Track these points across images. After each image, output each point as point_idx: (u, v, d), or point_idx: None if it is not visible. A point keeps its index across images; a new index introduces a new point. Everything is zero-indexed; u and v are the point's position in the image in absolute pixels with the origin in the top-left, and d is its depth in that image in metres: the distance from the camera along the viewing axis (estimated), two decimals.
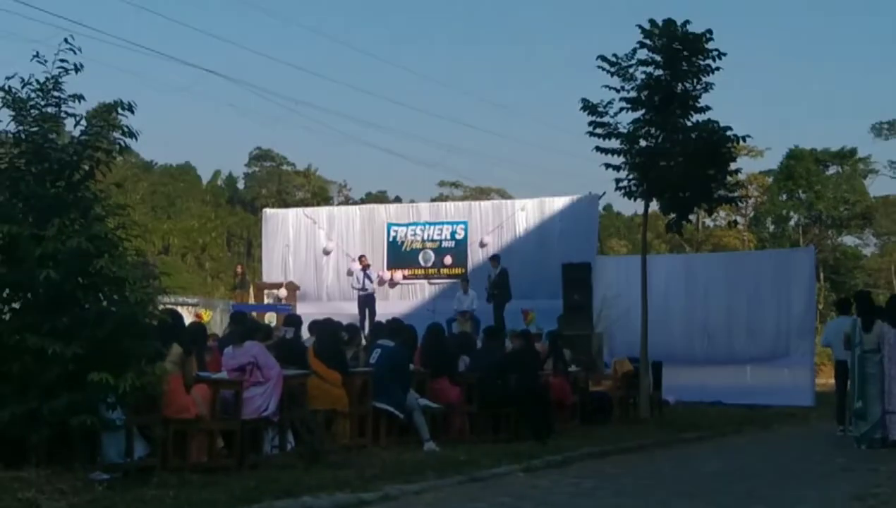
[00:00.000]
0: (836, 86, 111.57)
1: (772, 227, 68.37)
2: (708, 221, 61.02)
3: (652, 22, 17.89)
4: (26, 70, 9.75)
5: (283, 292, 25.75)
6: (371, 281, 25.41)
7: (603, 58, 18.10)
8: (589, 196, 26.93)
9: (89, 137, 9.86)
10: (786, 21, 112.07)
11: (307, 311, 21.00)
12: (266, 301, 25.89)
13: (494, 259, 24.40)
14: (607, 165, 18.56)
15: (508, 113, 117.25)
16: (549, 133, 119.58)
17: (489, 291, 23.74)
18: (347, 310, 24.54)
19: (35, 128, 9.70)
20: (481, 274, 25.33)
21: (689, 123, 18.36)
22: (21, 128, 9.73)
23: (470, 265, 26.92)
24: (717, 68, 18.07)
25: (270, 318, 22.89)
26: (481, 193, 68.14)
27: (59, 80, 9.74)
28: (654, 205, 19.35)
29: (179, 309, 19.05)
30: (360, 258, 25.98)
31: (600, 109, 18.20)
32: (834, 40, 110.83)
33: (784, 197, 66.13)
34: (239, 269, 25.77)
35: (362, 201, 68.85)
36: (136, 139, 10.06)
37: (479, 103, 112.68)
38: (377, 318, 21.98)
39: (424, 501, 9.77)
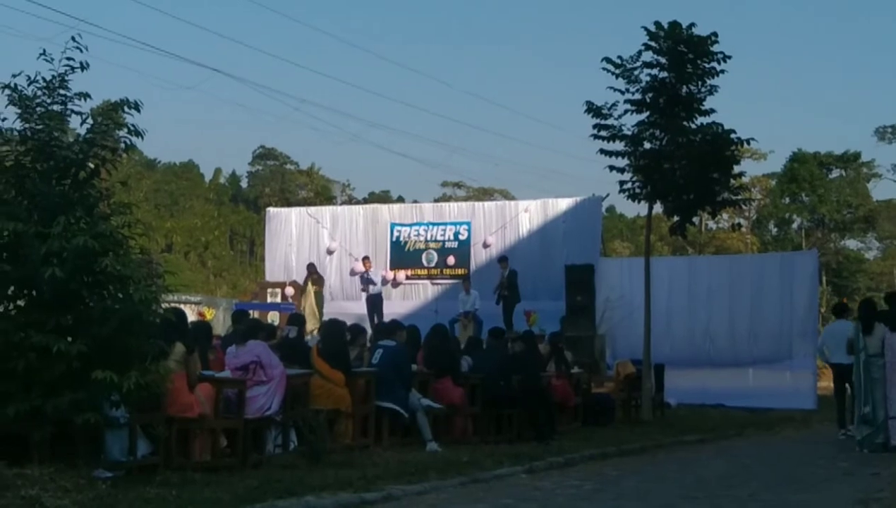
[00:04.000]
0: (841, 89, 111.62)
1: (774, 230, 68.44)
2: (711, 224, 61.09)
3: (657, 24, 17.89)
4: (33, 68, 9.77)
5: (289, 290, 25.74)
6: (374, 283, 25.42)
7: (608, 60, 18.12)
8: (592, 197, 26.96)
9: (95, 136, 9.84)
10: (790, 24, 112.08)
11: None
12: (270, 299, 25.88)
13: (503, 260, 24.41)
14: (611, 167, 18.58)
15: (512, 114, 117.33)
16: (553, 134, 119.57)
17: (499, 292, 23.73)
18: (351, 310, 24.55)
19: (41, 126, 9.68)
20: (484, 275, 25.33)
21: (693, 126, 18.37)
22: (27, 126, 9.71)
23: (473, 266, 26.93)
24: (722, 71, 18.09)
25: (273, 317, 22.90)
26: (484, 194, 68.19)
27: (66, 78, 9.73)
28: (657, 208, 19.35)
29: (182, 307, 19.08)
30: (364, 260, 25.98)
31: (605, 112, 18.23)
32: (838, 43, 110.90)
33: (787, 200, 66.19)
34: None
35: (365, 201, 68.93)
36: (143, 138, 10.05)
37: (484, 104, 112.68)
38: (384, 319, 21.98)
39: (427, 502, 9.78)
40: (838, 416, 17.11)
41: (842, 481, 11.94)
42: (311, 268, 26.19)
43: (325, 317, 17.47)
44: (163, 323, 9.90)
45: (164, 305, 10.15)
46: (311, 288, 25.58)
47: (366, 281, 25.43)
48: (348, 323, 15.63)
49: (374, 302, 25.11)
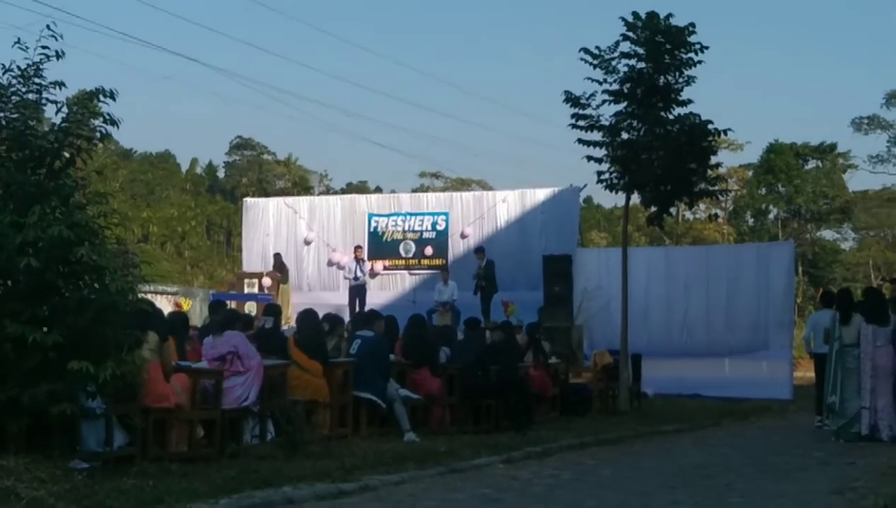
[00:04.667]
0: (817, 80, 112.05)
1: (751, 221, 68.76)
2: (688, 214, 61.31)
3: (635, 14, 17.89)
4: (7, 56, 9.70)
5: (267, 281, 25.65)
6: (363, 273, 25.39)
7: (586, 50, 18.12)
8: (570, 188, 26.98)
9: (70, 124, 9.78)
10: (767, 15, 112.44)
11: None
12: (247, 290, 25.80)
13: (479, 251, 24.42)
14: (589, 158, 18.59)
15: (490, 104, 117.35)
16: (532, 125, 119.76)
17: (476, 283, 23.73)
18: (328, 300, 24.54)
19: (16, 115, 9.62)
20: (462, 266, 25.32)
21: (670, 116, 18.39)
22: (1, 114, 9.65)
23: (451, 256, 26.92)
24: (700, 62, 18.11)
25: (251, 308, 22.84)
26: (462, 184, 68.19)
27: (41, 66, 9.67)
28: (635, 198, 19.38)
29: (159, 297, 19.03)
30: (356, 249, 25.94)
31: (583, 102, 18.22)
32: (815, 34, 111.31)
33: (763, 190, 66.50)
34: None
35: (343, 191, 68.83)
36: (118, 127, 9.98)
37: (462, 94, 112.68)
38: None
39: (404, 492, 9.77)
40: (816, 404, 17.14)
41: (818, 470, 11.99)
42: (280, 259, 26.27)
43: (301, 308, 17.41)
44: (136, 313, 9.85)
45: (138, 295, 10.11)
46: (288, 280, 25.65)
47: (357, 268, 25.30)
48: (327, 313, 15.63)
49: (358, 293, 25.08)
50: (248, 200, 31.36)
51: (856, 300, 16.24)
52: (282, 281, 25.82)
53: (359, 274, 25.28)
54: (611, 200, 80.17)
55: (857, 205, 66.29)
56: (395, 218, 27.82)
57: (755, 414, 20.52)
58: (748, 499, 9.72)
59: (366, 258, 26.51)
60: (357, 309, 23.67)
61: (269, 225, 28.62)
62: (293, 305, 24.18)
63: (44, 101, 9.82)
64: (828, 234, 69.14)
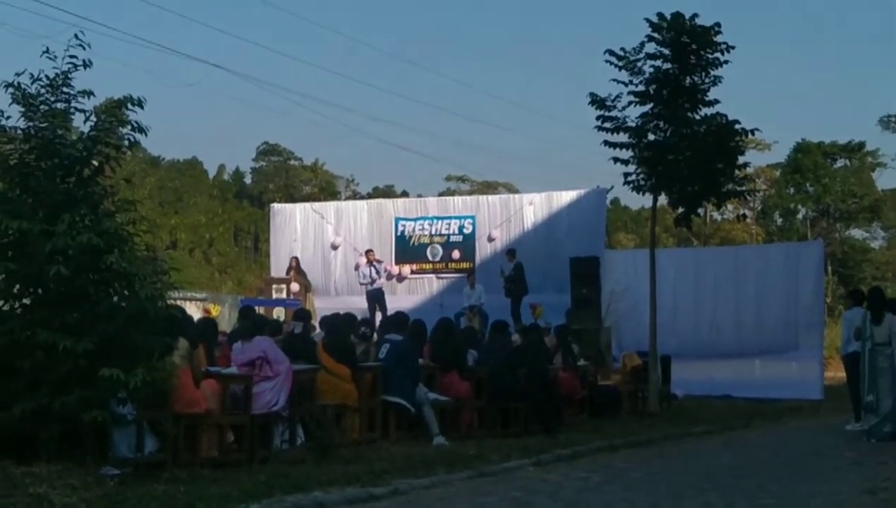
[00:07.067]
0: (845, 79, 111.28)
1: (780, 221, 68.41)
2: (716, 215, 61.06)
3: (660, 15, 17.87)
4: (36, 66, 9.74)
5: (295, 286, 25.71)
6: (379, 276, 25.38)
7: (611, 52, 18.11)
8: (597, 190, 26.92)
9: (98, 133, 9.82)
10: (793, 13, 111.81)
11: (316, 306, 20.93)
12: (275, 295, 25.87)
13: (510, 253, 24.41)
14: (615, 159, 18.58)
15: (516, 107, 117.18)
16: (557, 127, 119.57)
17: (505, 286, 23.71)
18: (356, 305, 24.49)
19: (44, 124, 9.66)
20: (489, 269, 25.29)
21: (697, 117, 18.35)
22: (31, 124, 9.69)
23: (478, 259, 26.90)
24: (726, 62, 18.07)
25: (279, 313, 22.90)
26: (488, 187, 68.13)
27: (69, 75, 9.71)
28: (662, 199, 19.33)
29: (188, 304, 19.13)
30: (367, 253, 25.96)
31: (608, 103, 18.21)
32: (843, 32, 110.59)
33: (792, 190, 66.19)
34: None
35: (369, 195, 68.85)
36: (146, 135, 10.02)
37: (487, 97, 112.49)
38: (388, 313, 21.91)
39: (434, 495, 9.77)
40: (854, 408, 16.69)
41: (850, 470, 11.93)
42: (297, 263, 26.39)
43: (326, 312, 17.45)
44: (166, 320, 9.89)
45: (168, 302, 10.16)
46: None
47: (375, 272, 25.30)
48: (359, 317, 15.64)
49: (376, 297, 25.05)
50: (276, 206, 31.43)
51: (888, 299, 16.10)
52: (307, 287, 25.87)
53: (374, 276, 25.26)
54: (638, 202, 79.68)
55: (886, 204, 65.94)
56: (421, 222, 27.80)
57: (786, 414, 20.44)
58: (780, 500, 9.67)
59: (392, 261, 26.47)
60: (378, 313, 23.64)
61: (297, 230, 28.67)
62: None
63: (72, 110, 9.85)
64: (857, 233, 68.83)
